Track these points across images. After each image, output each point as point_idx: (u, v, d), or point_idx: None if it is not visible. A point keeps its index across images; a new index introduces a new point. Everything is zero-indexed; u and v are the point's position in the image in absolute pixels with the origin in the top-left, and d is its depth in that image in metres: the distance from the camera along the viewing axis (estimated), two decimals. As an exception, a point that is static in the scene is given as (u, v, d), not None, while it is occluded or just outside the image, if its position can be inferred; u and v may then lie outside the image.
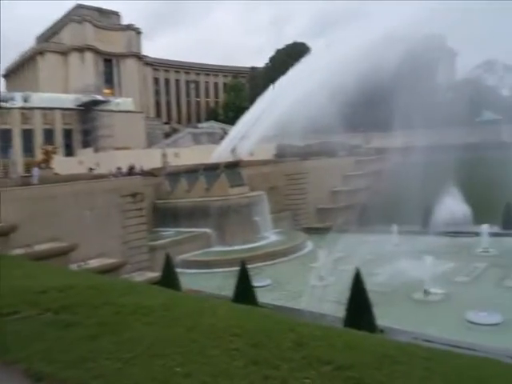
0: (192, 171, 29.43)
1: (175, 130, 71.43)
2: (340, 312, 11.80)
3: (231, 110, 74.33)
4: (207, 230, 24.80)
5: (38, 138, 53.15)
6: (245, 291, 13.58)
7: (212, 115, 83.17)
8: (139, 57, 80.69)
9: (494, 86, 29.02)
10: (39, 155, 41.40)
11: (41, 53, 72.66)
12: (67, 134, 56.78)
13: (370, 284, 11.36)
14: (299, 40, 78.87)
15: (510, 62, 31.96)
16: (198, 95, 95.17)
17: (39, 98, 55.38)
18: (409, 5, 27.11)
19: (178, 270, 16.72)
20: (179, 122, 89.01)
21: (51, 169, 34.05)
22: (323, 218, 31.09)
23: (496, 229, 21.71)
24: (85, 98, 56.78)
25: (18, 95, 55.09)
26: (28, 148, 51.60)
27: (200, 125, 74.81)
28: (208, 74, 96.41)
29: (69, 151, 54.66)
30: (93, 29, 73.47)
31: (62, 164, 37.25)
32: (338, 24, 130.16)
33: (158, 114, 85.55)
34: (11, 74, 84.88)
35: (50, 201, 17.47)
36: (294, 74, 34.38)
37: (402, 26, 26.97)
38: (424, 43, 29.72)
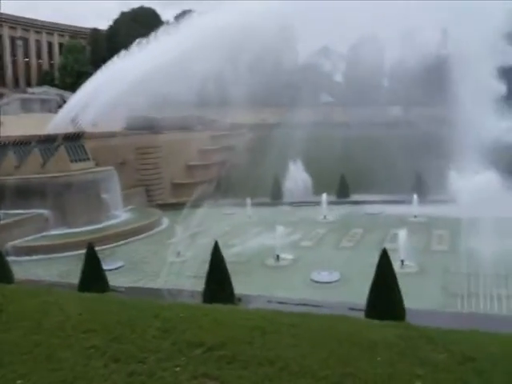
0: (23, 143, 25.54)
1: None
2: (199, 286, 11.72)
3: (70, 75, 66.80)
4: (44, 211, 21.92)
5: None
6: (93, 276, 12.42)
7: (46, 79, 73.49)
8: None
9: (328, 72, 31.99)
10: None
11: None
12: None
13: (227, 255, 11.56)
14: (148, 5, 74.41)
15: (341, 49, 35.41)
16: (27, 55, 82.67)
17: None
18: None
19: (10, 258, 14.68)
20: (3, 84, 76.40)
21: None
22: (179, 194, 30.47)
23: (333, 198, 24.28)
24: None
25: None
26: None
27: (31, 90, 65.49)
28: (39, 32, 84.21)
29: None
30: None
31: None
32: None
33: (-26, 75, 72.03)
34: None
35: None
36: (144, 45, 32.32)
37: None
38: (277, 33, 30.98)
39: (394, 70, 30.58)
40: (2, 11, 76.51)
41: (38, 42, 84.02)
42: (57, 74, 72.50)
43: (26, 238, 20.20)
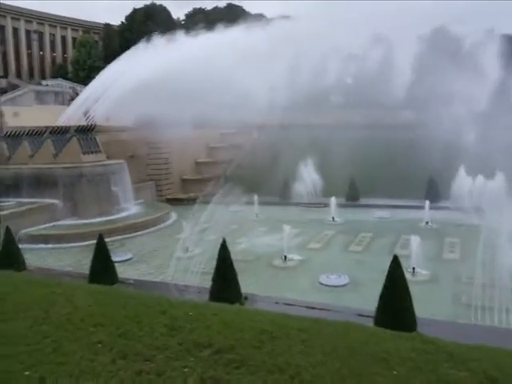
0: (37, 134, 25.84)
1: (14, 86, 61.72)
2: (206, 282, 11.67)
3: (82, 69, 67.31)
4: (55, 200, 22.11)
5: None
6: (103, 267, 12.55)
7: (60, 72, 74.08)
8: (-37, -7, 66.67)
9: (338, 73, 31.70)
10: None
11: None
12: None
13: (234, 253, 11.44)
14: (169, 5, 74.97)
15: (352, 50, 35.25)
16: (42, 48, 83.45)
17: None
18: None
19: (22, 245, 14.86)
20: (19, 76, 77.15)
21: None
22: (187, 189, 30.67)
23: (342, 200, 24.06)
24: None
25: None
26: None
27: (45, 82, 66.08)
28: (54, 26, 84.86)
29: None
30: None
31: None
32: None
33: (-9, 66, 72.80)
34: None
35: None
36: (157, 43, 32.50)
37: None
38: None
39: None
40: (18, 5, 77.52)
41: (52, 35, 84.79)
42: (70, 67, 73.07)
43: (38, 227, 20.35)
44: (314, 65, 27.15)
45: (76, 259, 17.11)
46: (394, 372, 4.15)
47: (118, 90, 29.96)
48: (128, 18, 74.07)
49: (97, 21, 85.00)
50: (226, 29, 30.49)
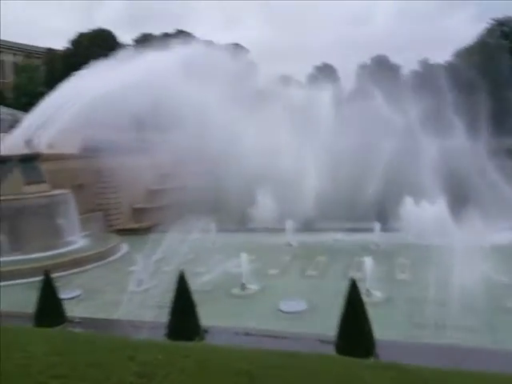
0: (-28, 165, 24.18)
1: None
2: (163, 316, 11.28)
3: (24, 95, 64.49)
4: (-5, 235, 20.68)
5: None
6: (50, 305, 11.82)
7: (-2, 98, 70.48)
8: None
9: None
10: None
11: None
12: None
13: (191, 283, 11.18)
14: (116, 31, 74.00)
15: (300, 78, 36.79)
16: (-22, 73, 79.36)
17: None
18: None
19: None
20: (-48, 103, 72.47)
21: None
22: (140, 218, 29.84)
23: (298, 224, 24.39)
24: None
25: None
26: None
27: (-19, 108, 62.51)
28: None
29: None
30: None
31: None
32: (148, 20, 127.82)
33: None
34: None
35: None
36: (100, 68, 31.86)
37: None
38: (227, 52, 31.65)
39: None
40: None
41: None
42: (9, 93, 69.84)
43: (-24, 266, 18.83)
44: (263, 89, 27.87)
45: (20, 298, 15.92)
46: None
47: (63, 114, 28.94)
48: (73, 42, 72.36)
49: (39, 45, 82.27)
50: (169, 47, 30.36)
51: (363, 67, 57.46)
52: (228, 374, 4.56)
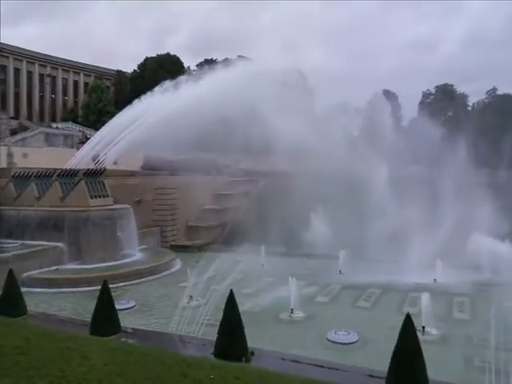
0: (45, 176, 26.06)
1: (25, 128, 63.18)
2: (211, 334, 11.40)
3: (93, 113, 69.13)
4: (60, 244, 22.01)
5: None
6: (106, 315, 12.28)
7: (70, 116, 76.08)
8: (-18, 38, 69.72)
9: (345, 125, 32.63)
10: None
11: None
12: None
13: (239, 303, 11.16)
14: (181, 56, 78.12)
15: (359, 105, 36.49)
16: (54, 92, 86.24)
17: None
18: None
19: (24, 289, 14.54)
20: (30, 118, 79.17)
21: None
22: (193, 236, 30.62)
23: (349, 253, 23.64)
24: None
25: None
26: None
27: (55, 124, 67.72)
28: (67, 71, 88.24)
29: None
30: None
31: None
32: (218, 46, 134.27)
33: (4, 107, 74.73)
34: None
35: None
36: (166, 90, 33.54)
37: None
38: (284, 77, 32.07)
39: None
40: (34, 49, 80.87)
41: (65, 80, 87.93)
42: (80, 111, 75.06)
43: (41, 270, 20.19)
44: (323, 117, 27.86)
45: (78, 305, 16.82)
46: None
47: (129, 134, 30.63)
48: (140, 65, 76.97)
49: (109, 67, 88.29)
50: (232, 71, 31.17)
51: (427, 95, 56.03)
52: (279, 401, 4.56)
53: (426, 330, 13.37)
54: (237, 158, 38.49)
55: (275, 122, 25.86)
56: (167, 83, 34.12)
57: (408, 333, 9.38)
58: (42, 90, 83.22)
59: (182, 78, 34.67)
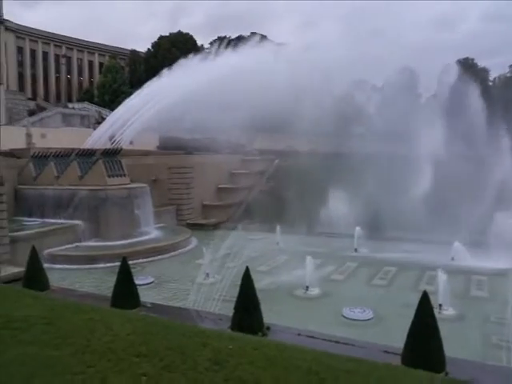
0: (63, 155, 26.47)
1: (42, 108, 63.84)
2: (227, 309, 11.62)
3: (108, 93, 69.27)
4: (79, 222, 22.51)
5: None
6: (126, 290, 12.59)
7: (86, 96, 76.39)
8: (-1, 20, 70.11)
9: (362, 104, 32.02)
10: None
11: None
12: None
13: (255, 281, 11.24)
14: (195, 34, 77.21)
15: (376, 82, 35.71)
16: (69, 72, 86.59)
17: None
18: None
19: (45, 265, 14.97)
20: (47, 99, 79.84)
21: None
22: (208, 215, 30.90)
23: (366, 232, 23.49)
24: None
25: None
26: None
27: (72, 105, 68.18)
28: (81, 51, 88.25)
29: None
30: None
31: None
32: (232, 24, 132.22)
33: (22, 88, 75.41)
34: None
35: None
36: (182, 69, 33.25)
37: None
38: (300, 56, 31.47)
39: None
40: (50, 30, 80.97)
41: (80, 60, 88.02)
42: (96, 91, 75.30)
43: (61, 247, 20.69)
44: (339, 95, 27.36)
45: (98, 280, 17.28)
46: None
47: (144, 114, 30.72)
48: (154, 44, 76.39)
49: (123, 47, 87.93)
50: (251, 51, 30.81)
51: (447, 69, 54.19)
52: (298, 372, 4.63)
53: (442, 307, 13.33)
54: (251, 137, 38.36)
55: (291, 102, 25.58)
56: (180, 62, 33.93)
57: (424, 310, 9.38)
58: (57, 70, 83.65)
59: (198, 56, 34.38)
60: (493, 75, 62.42)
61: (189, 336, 5.79)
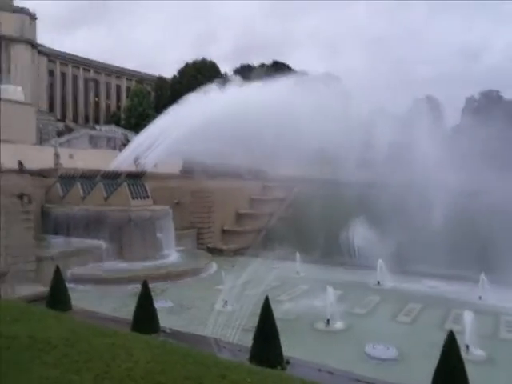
0: (89, 177, 27.09)
1: (70, 130, 65.98)
2: (246, 339, 11.40)
3: (134, 116, 71.31)
4: (102, 242, 22.76)
5: None
6: (146, 314, 12.55)
7: (113, 119, 78.81)
8: (33, 44, 73.61)
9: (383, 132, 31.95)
10: None
11: None
12: None
13: (275, 310, 11.04)
14: (219, 61, 79.57)
15: (395, 110, 35.69)
16: (97, 95, 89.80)
17: None
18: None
19: (68, 285, 15.04)
20: (75, 121, 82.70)
21: None
22: (228, 240, 30.84)
23: (391, 264, 22.88)
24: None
25: None
26: None
27: (99, 127, 70.30)
28: (109, 75, 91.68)
29: None
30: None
31: None
32: (257, 52, 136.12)
33: (52, 110, 78.42)
34: None
35: None
36: (205, 96, 34.02)
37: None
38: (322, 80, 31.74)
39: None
40: (81, 55, 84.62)
41: (107, 84, 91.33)
42: (122, 114, 77.58)
43: (85, 267, 20.95)
44: (359, 124, 27.38)
45: (120, 303, 17.23)
46: None
47: (168, 138, 31.27)
48: (180, 71, 78.69)
49: (151, 73, 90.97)
50: (273, 81, 31.31)
51: (471, 101, 54.02)
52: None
53: (470, 349, 12.75)
54: (273, 163, 38.50)
55: (312, 130, 25.68)
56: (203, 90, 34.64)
57: (450, 350, 8.98)
58: (86, 93, 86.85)
59: (219, 82, 35.01)
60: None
61: (207, 366, 5.67)
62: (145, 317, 12.28)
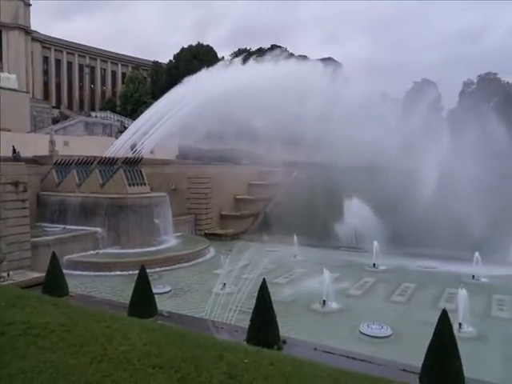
0: (85, 163, 26.93)
1: (65, 117, 65.47)
2: (243, 321, 11.61)
3: (130, 103, 70.64)
4: (99, 229, 22.83)
5: None
6: (143, 298, 12.68)
7: (109, 105, 78.04)
8: (27, 31, 72.45)
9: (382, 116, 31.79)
10: None
11: None
12: None
13: (272, 293, 11.22)
14: (218, 48, 78.42)
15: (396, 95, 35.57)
16: (93, 81, 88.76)
17: None
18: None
19: (65, 271, 15.22)
20: (70, 107, 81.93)
21: None
22: (226, 225, 31.01)
23: (383, 246, 23.10)
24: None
25: None
26: None
27: (94, 113, 69.71)
28: (105, 61, 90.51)
29: None
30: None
31: None
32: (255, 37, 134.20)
33: (46, 97, 77.61)
34: None
35: None
36: (203, 78, 33.54)
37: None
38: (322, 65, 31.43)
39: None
40: (77, 41, 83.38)
41: (103, 70, 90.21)
42: (118, 101, 76.78)
43: (82, 254, 21.06)
44: (358, 108, 27.23)
45: (116, 288, 17.43)
46: None
47: (165, 124, 31.06)
48: (175, 56, 77.65)
49: (147, 58, 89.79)
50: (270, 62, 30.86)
51: (468, 85, 53.70)
52: (314, 389, 4.58)
53: (462, 326, 12.99)
54: (270, 148, 38.39)
55: (311, 115, 25.56)
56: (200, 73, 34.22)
57: (443, 329, 9.17)
58: (81, 80, 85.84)
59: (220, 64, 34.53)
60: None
61: (204, 347, 5.78)
62: (142, 301, 12.41)
